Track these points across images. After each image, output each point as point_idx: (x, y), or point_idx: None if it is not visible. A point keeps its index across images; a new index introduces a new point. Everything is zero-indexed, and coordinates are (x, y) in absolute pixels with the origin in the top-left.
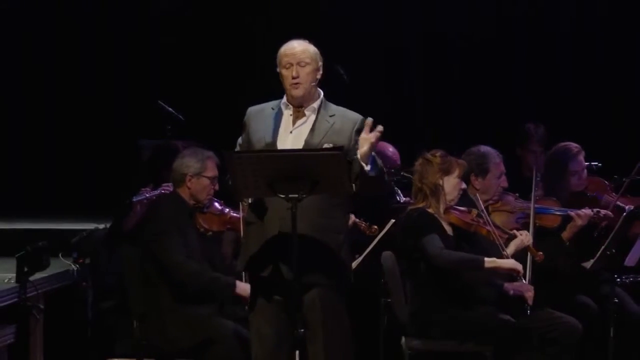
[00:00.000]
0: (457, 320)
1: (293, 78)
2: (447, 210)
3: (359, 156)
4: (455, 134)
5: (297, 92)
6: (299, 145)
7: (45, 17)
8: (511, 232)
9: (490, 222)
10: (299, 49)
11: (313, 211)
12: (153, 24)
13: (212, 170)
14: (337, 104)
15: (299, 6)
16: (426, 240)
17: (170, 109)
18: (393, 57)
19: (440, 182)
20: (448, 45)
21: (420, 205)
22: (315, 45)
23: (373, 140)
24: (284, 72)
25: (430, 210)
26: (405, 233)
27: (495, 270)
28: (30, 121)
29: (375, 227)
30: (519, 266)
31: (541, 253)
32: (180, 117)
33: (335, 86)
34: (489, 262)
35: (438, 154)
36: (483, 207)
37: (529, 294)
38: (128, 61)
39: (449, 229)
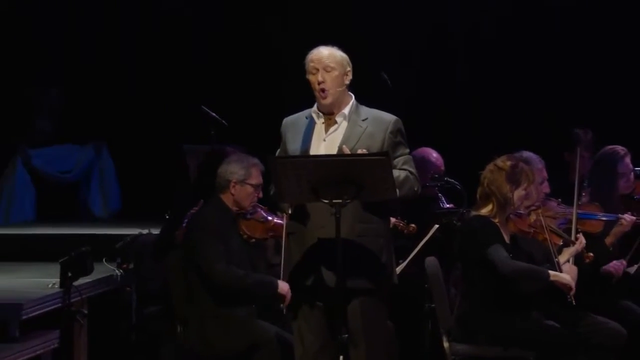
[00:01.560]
0: (502, 325)
1: (319, 83)
2: (508, 217)
3: None
4: (500, 139)
5: (326, 101)
6: (333, 152)
7: (92, 20)
8: (570, 238)
9: (547, 228)
10: (325, 53)
11: (352, 216)
12: (196, 30)
13: (256, 178)
14: (383, 109)
15: (340, 11)
16: (492, 249)
17: (213, 114)
18: (437, 60)
19: (510, 195)
20: (493, 47)
21: (485, 212)
22: (355, 51)
23: None
24: (311, 77)
25: (494, 220)
26: (467, 239)
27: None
28: (76, 127)
29: (414, 225)
30: (572, 284)
31: (591, 254)
32: (224, 122)
33: (381, 92)
34: (553, 275)
35: (508, 162)
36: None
37: (572, 283)
38: (172, 66)
39: (507, 238)
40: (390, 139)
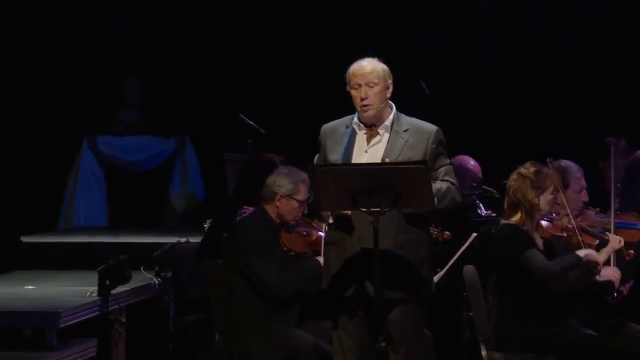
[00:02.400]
0: (539, 333)
1: (362, 99)
2: (538, 223)
3: None
4: (536, 147)
5: (368, 114)
6: None
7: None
8: (602, 235)
9: (579, 231)
10: (367, 69)
11: (394, 227)
12: (235, 40)
13: (303, 194)
14: (421, 118)
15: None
16: (528, 254)
17: (251, 122)
18: (472, 68)
19: (537, 201)
20: (526, 54)
21: (514, 221)
22: (391, 62)
23: None
24: (353, 92)
25: (524, 227)
26: (499, 247)
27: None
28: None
29: (448, 233)
30: (617, 275)
31: (631, 251)
32: (261, 130)
33: (419, 100)
34: (584, 254)
35: (532, 168)
36: (571, 216)
37: (616, 276)
38: (210, 74)
39: (539, 243)
40: (432, 150)
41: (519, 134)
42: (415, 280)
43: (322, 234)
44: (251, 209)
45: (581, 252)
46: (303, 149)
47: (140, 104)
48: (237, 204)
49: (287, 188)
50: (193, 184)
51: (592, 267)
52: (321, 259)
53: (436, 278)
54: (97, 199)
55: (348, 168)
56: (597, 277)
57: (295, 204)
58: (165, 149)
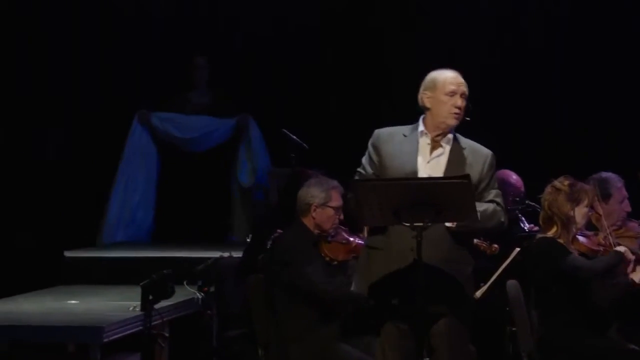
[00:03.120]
0: (583, 347)
1: (457, 108)
2: (574, 237)
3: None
4: (578, 160)
5: (455, 122)
6: (437, 175)
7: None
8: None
9: (615, 245)
10: (461, 80)
11: (443, 242)
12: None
13: (337, 200)
14: (461, 133)
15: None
16: (568, 258)
17: (294, 137)
18: (511, 84)
19: (572, 214)
20: (564, 67)
21: (550, 234)
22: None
23: None
24: (445, 98)
25: (560, 240)
26: (537, 261)
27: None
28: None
29: (496, 245)
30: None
31: None
32: (304, 145)
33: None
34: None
35: (566, 182)
36: (608, 230)
37: None
38: (253, 91)
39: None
40: (486, 172)
41: (560, 148)
42: (459, 294)
43: (361, 241)
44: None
45: (621, 248)
46: (345, 162)
47: (208, 85)
48: (280, 220)
49: (320, 197)
50: (259, 161)
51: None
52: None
53: (479, 293)
54: (143, 175)
55: (390, 183)
56: (637, 281)
57: (330, 211)
58: (224, 128)
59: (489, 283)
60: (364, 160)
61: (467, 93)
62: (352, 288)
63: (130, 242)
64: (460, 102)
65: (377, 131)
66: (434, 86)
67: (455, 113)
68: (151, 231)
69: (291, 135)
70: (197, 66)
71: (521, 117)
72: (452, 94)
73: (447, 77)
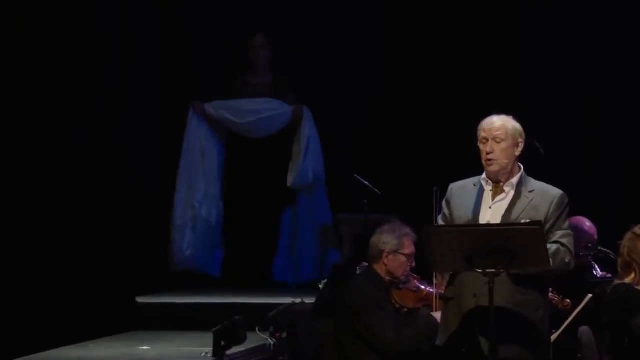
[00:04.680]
0: None
1: (487, 154)
2: None
3: None
4: None
5: (491, 168)
6: (497, 221)
7: None
8: None
9: None
10: (497, 124)
11: (512, 287)
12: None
13: (409, 248)
14: (536, 178)
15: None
16: (638, 321)
17: (366, 182)
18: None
19: None
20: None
21: (627, 281)
22: (519, 121)
23: None
24: (480, 146)
25: (638, 287)
26: (612, 308)
27: None
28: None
29: (568, 301)
30: None
31: None
32: (377, 190)
33: (534, 160)
34: None
35: None
36: None
37: None
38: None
39: None
40: (552, 212)
41: (635, 195)
42: (532, 340)
43: (431, 289)
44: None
45: None
46: (419, 210)
47: (270, 65)
48: (352, 267)
49: (392, 244)
50: (310, 160)
51: None
52: (436, 315)
53: (552, 339)
54: (209, 164)
55: (463, 229)
56: None
57: (402, 258)
58: (284, 112)
59: (561, 329)
60: (440, 214)
61: (503, 136)
62: (437, 342)
63: (200, 274)
64: (490, 147)
65: (451, 185)
66: (477, 135)
67: (488, 159)
68: (220, 256)
69: (363, 180)
70: (254, 45)
71: (596, 164)
72: (485, 140)
73: (482, 125)
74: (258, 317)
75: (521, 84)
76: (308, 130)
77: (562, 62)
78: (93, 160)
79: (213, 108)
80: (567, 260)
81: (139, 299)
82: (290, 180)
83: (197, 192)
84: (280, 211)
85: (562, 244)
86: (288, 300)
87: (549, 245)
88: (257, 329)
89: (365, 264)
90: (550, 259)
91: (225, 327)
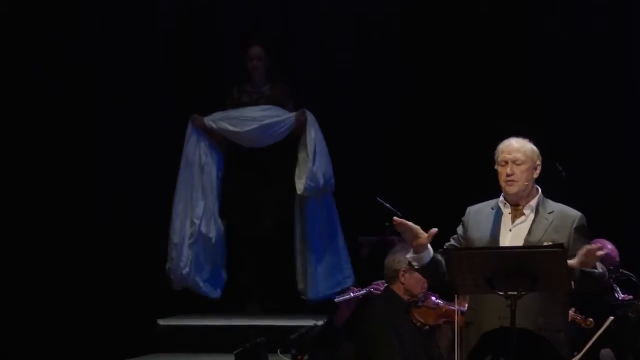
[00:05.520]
0: None
1: (507, 175)
2: None
3: (576, 262)
4: None
5: (511, 190)
6: (518, 243)
7: None
8: None
9: None
10: (515, 146)
11: (534, 309)
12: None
13: None
14: (557, 200)
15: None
16: None
17: (388, 205)
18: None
19: None
20: None
21: None
22: (535, 143)
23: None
24: (499, 169)
25: None
26: (636, 330)
27: None
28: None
29: (591, 319)
30: None
31: None
32: (399, 213)
33: (554, 183)
34: None
35: None
36: None
37: None
38: (348, 160)
39: None
40: (575, 235)
41: None
42: None
43: (451, 305)
44: (380, 286)
45: None
46: (442, 232)
47: (267, 75)
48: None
49: (406, 262)
50: (318, 164)
51: None
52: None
53: None
54: (208, 179)
55: (484, 252)
56: None
57: (418, 275)
58: (286, 118)
59: (582, 352)
60: (455, 235)
61: (523, 158)
62: None
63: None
64: (510, 169)
65: (468, 208)
66: (495, 158)
67: (508, 181)
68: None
69: (385, 203)
70: (252, 56)
71: (616, 186)
72: (504, 163)
73: (500, 147)
74: (279, 339)
75: (542, 106)
76: (314, 132)
77: (582, 84)
78: (113, 181)
79: (213, 121)
80: (604, 279)
81: (161, 321)
82: (299, 187)
83: (197, 208)
84: (287, 225)
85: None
86: (310, 322)
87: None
88: (278, 352)
89: (375, 283)
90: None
91: (247, 349)
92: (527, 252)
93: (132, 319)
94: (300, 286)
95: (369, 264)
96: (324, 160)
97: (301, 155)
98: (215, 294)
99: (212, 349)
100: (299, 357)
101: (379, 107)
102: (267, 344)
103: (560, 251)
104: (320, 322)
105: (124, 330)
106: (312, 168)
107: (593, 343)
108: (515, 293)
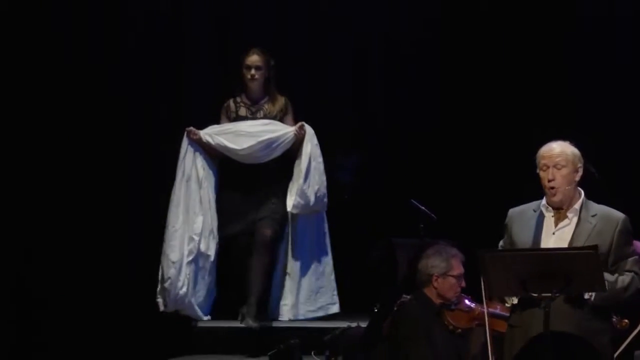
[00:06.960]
0: None
1: (549, 181)
2: None
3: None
4: None
5: (555, 198)
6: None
7: None
8: None
9: None
10: (556, 150)
11: (579, 313)
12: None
13: (458, 269)
14: (597, 202)
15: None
16: None
17: (422, 207)
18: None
19: None
20: None
21: None
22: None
23: None
24: (541, 174)
25: None
26: None
27: None
28: None
29: (626, 320)
30: None
31: None
32: (433, 215)
33: (591, 185)
34: None
35: None
36: None
37: None
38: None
39: None
40: (619, 238)
41: None
42: None
43: (483, 308)
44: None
45: None
46: (475, 234)
47: (265, 86)
48: (406, 291)
49: (440, 267)
50: (311, 180)
51: None
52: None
53: None
54: (206, 194)
55: (517, 254)
56: None
57: (452, 280)
58: (284, 134)
59: (617, 352)
60: (501, 241)
61: (563, 162)
62: None
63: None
64: (551, 174)
65: (510, 211)
66: (536, 163)
67: (550, 187)
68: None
69: (420, 205)
70: (249, 65)
71: None
72: (545, 167)
73: (540, 152)
74: (314, 340)
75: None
76: (310, 147)
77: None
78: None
79: (209, 135)
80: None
81: (197, 323)
82: (289, 203)
83: (195, 224)
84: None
85: (636, 272)
86: (344, 324)
87: (623, 276)
88: (312, 353)
89: (406, 297)
90: (628, 289)
91: (281, 350)
92: (560, 254)
93: (169, 320)
94: (284, 302)
95: (410, 267)
96: (317, 177)
97: (296, 171)
98: (205, 315)
99: (247, 350)
100: (333, 358)
101: (416, 105)
102: (301, 346)
103: (593, 253)
104: (354, 324)
105: (160, 332)
106: (302, 185)
107: (627, 344)
108: (549, 295)
